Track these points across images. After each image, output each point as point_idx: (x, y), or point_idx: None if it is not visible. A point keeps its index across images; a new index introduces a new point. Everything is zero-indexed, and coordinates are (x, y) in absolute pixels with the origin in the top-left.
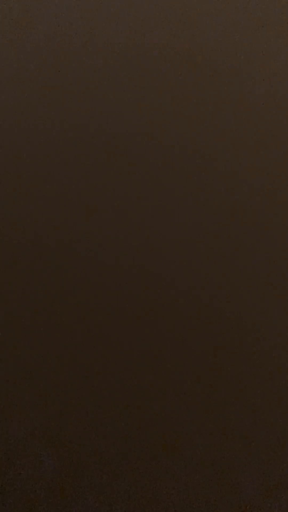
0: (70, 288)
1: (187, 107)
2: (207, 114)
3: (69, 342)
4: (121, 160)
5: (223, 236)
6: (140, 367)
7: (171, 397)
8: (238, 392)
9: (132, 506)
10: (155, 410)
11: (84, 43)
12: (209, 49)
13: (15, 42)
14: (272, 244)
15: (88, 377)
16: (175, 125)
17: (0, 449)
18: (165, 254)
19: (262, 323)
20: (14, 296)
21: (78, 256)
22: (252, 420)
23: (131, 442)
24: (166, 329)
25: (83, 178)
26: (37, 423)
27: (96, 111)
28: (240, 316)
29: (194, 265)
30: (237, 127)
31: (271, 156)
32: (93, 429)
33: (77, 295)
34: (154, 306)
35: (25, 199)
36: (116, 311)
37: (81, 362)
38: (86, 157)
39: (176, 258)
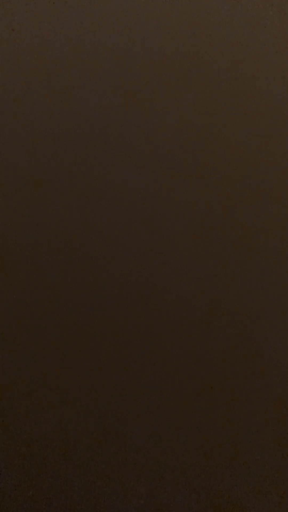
0: (69, 293)
1: (187, 109)
2: (208, 116)
3: (69, 348)
4: (121, 164)
5: (224, 241)
6: (140, 372)
7: (171, 404)
8: (239, 403)
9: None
10: (154, 418)
11: (83, 44)
12: (210, 51)
13: (14, 44)
14: (274, 250)
15: (88, 386)
16: (175, 127)
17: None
18: (165, 259)
19: (263, 330)
20: (10, 311)
21: (78, 261)
22: (254, 432)
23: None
24: (166, 336)
25: (81, 181)
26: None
27: (95, 113)
28: (241, 323)
29: (195, 272)
30: (238, 129)
31: (273, 159)
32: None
33: (77, 302)
34: (154, 315)
35: (24, 205)
36: (116, 322)
37: (82, 369)
38: (85, 163)
39: (176, 264)
